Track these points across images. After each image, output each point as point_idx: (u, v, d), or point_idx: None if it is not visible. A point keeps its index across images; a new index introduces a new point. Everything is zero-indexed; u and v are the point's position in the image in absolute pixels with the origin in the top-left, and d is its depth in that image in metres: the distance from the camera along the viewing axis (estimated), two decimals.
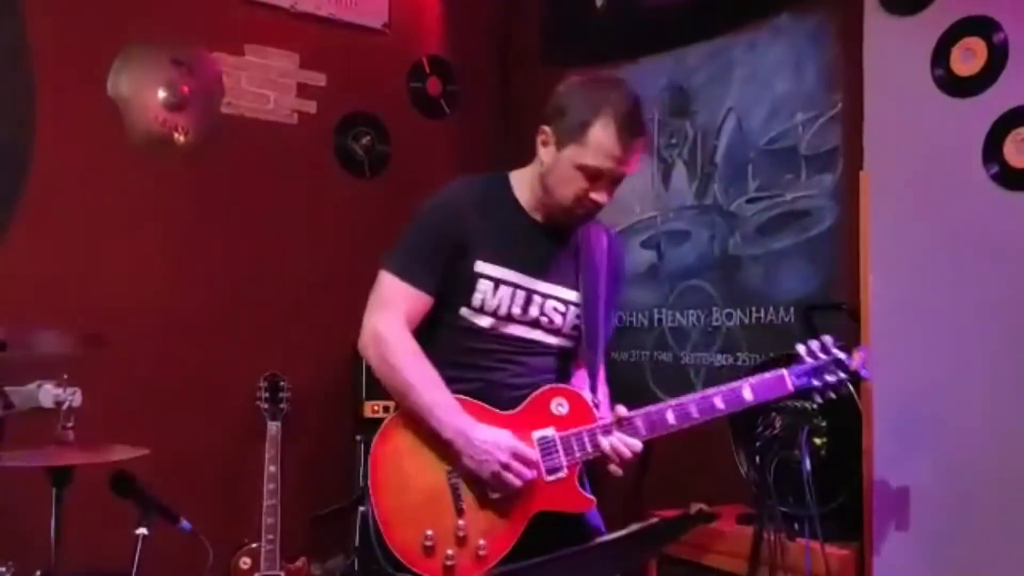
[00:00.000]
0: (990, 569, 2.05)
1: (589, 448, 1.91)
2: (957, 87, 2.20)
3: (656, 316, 3.50)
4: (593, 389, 2.02)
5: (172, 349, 3.38)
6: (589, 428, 1.91)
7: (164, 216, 3.42)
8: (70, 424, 2.20)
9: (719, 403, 1.94)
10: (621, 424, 1.90)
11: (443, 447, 1.89)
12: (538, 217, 2.01)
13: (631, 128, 1.89)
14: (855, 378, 2.01)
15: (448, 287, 1.95)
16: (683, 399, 1.93)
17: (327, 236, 3.75)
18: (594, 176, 1.90)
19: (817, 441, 2.45)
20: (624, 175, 1.94)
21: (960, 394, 2.15)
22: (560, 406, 1.94)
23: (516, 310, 1.97)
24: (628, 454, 1.88)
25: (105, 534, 2.45)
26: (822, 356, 1.98)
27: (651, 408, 1.92)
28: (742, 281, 3.24)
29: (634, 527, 0.86)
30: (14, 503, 2.09)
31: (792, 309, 3.08)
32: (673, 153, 3.55)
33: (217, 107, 3.56)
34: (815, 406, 2.46)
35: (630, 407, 1.94)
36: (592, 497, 1.93)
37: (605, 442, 1.89)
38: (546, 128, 1.95)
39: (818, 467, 2.37)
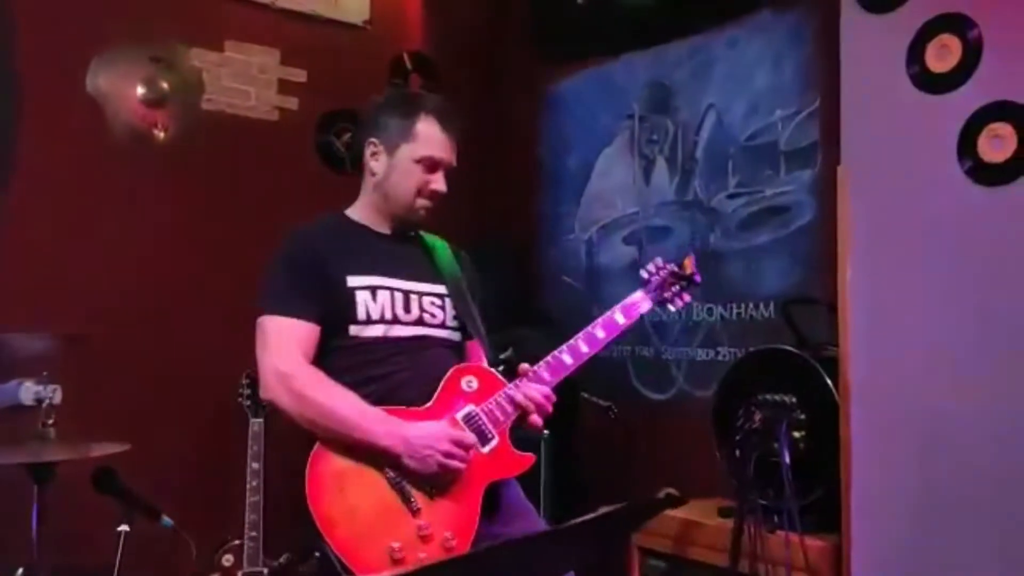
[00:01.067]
0: (966, 560, 2.08)
1: (510, 409, 2.00)
2: (932, 84, 2.23)
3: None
4: (490, 362, 2.12)
5: (153, 346, 3.36)
6: (504, 392, 2.00)
7: (145, 213, 3.40)
8: (51, 421, 2.20)
9: (599, 332, 2.14)
10: (528, 377, 2.02)
11: (375, 459, 1.90)
12: (385, 230, 2.15)
13: (448, 118, 2.13)
14: (692, 283, 2.31)
15: (329, 312, 2.01)
16: (571, 340, 2.10)
17: None
18: (431, 166, 2.08)
19: (796, 435, 2.47)
20: (452, 164, 2.13)
21: (937, 387, 2.18)
22: (470, 383, 2.02)
23: (400, 311, 2.05)
24: (539, 398, 2.00)
25: (87, 531, 2.45)
26: (660, 273, 2.29)
27: (548, 357, 2.06)
28: (723, 276, 3.27)
29: (604, 510, 0.88)
30: None
31: (772, 304, 3.11)
32: (654, 149, 3.57)
33: (197, 103, 3.54)
34: (794, 400, 2.51)
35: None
36: (529, 454, 2.01)
37: (519, 395, 1.99)
38: (374, 140, 2.13)
39: (797, 461, 2.40)
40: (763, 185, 3.17)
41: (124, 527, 2.25)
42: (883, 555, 2.23)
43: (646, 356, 3.51)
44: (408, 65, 4.07)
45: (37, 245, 3.17)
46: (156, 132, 3.45)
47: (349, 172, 3.88)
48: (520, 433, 2.04)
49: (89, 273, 3.25)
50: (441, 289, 2.14)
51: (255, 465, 3.29)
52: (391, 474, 1.90)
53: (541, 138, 4.07)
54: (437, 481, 1.90)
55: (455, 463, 1.89)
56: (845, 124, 2.38)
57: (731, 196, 3.28)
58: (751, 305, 3.19)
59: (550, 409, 2.02)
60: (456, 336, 2.15)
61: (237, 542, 3.24)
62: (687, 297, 2.32)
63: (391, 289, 2.05)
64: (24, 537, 2.27)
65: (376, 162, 2.13)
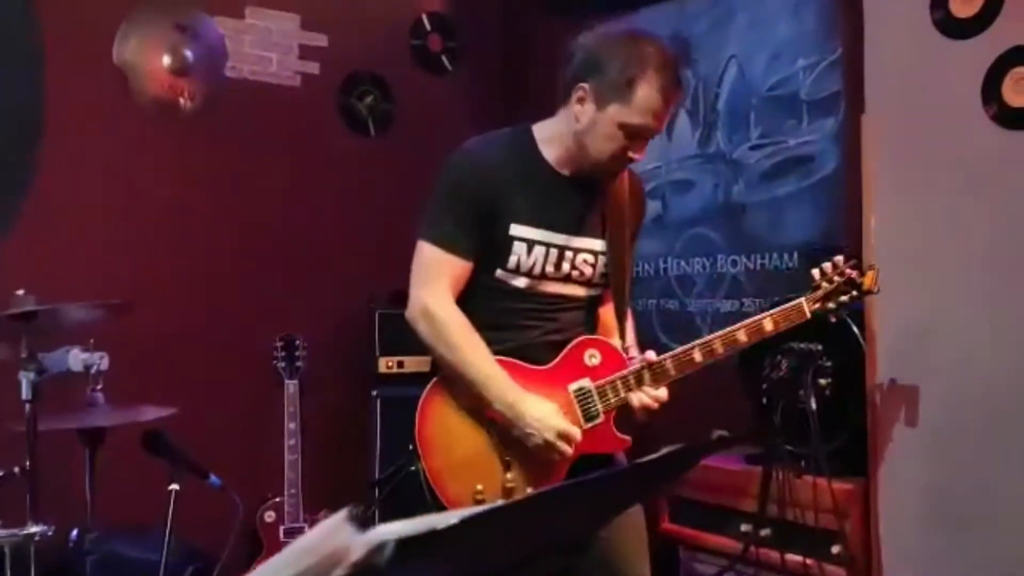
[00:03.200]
0: (992, 499, 2.12)
1: (623, 393, 1.99)
2: (956, 29, 2.22)
3: (662, 265, 3.55)
4: (622, 334, 2.10)
5: (189, 312, 3.44)
6: (622, 375, 1.99)
7: (175, 181, 3.46)
8: (99, 387, 2.27)
9: (742, 336, 2.01)
10: (652, 368, 1.97)
11: (488, 407, 1.95)
12: (566, 172, 2.01)
13: (674, 85, 1.90)
14: (863, 297, 2.06)
15: (483, 250, 1.98)
16: (708, 337, 2.01)
17: (335, 195, 3.80)
18: (634, 134, 1.91)
19: (822, 382, 2.50)
20: (661, 131, 1.97)
21: (962, 333, 2.20)
22: (593, 357, 2.01)
23: (550, 268, 2.00)
24: (655, 405, 1.98)
25: (138, 492, 2.54)
26: (836, 278, 2.03)
27: (677, 350, 1.99)
28: (746, 228, 3.28)
29: (661, 451, 0.93)
30: (50, 465, 2.17)
31: (796, 254, 3.13)
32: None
33: (221, 71, 3.58)
34: (820, 348, 2.54)
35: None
36: (627, 437, 2.02)
37: (634, 398, 1.97)
38: (584, 85, 1.92)
39: (823, 407, 2.44)
40: (786, 135, 3.17)
41: (175, 486, 2.33)
42: (909, 496, 2.28)
43: (671, 309, 3.54)
44: (427, 26, 4.08)
45: (75, 217, 3.25)
46: (182, 100, 3.50)
47: (372, 136, 3.93)
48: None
49: (125, 243, 3.33)
50: (598, 245, 2.05)
51: (292, 425, 3.40)
52: (495, 426, 1.96)
53: None
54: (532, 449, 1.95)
55: (552, 454, 1.92)
56: (869, 72, 2.38)
57: (753, 147, 3.28)
58: (775, 256, 3.21)
59: (656, 410, 2.00)
60: (597, 292, 2.10)
61: (278, 499, 3.36)
62: (845, 314, 2.07)
63: (548, 245, 1.98)
64: (78, 499, 2.36)
65: (581, 108, 1.92)
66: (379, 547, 0.63)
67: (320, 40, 3.79)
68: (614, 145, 1.91)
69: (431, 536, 0.65)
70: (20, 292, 2.15)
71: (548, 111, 2.06)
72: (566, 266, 2.02)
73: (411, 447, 1.96)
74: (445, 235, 1.96)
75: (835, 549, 2.40)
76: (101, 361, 2.21)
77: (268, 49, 3.69)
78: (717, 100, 3.41)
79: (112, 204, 3.34)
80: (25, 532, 2.08)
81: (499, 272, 1.99)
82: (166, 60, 3.45)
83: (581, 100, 1.92)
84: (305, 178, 3.75)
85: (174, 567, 2.80)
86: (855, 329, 2.45)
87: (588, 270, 2.05)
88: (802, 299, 2.03)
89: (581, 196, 2.02)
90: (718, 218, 3.38)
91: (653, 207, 3.64)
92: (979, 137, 2.16)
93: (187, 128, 3.50)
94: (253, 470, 3.43)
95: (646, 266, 3.64)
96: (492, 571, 0.84)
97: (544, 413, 1.92)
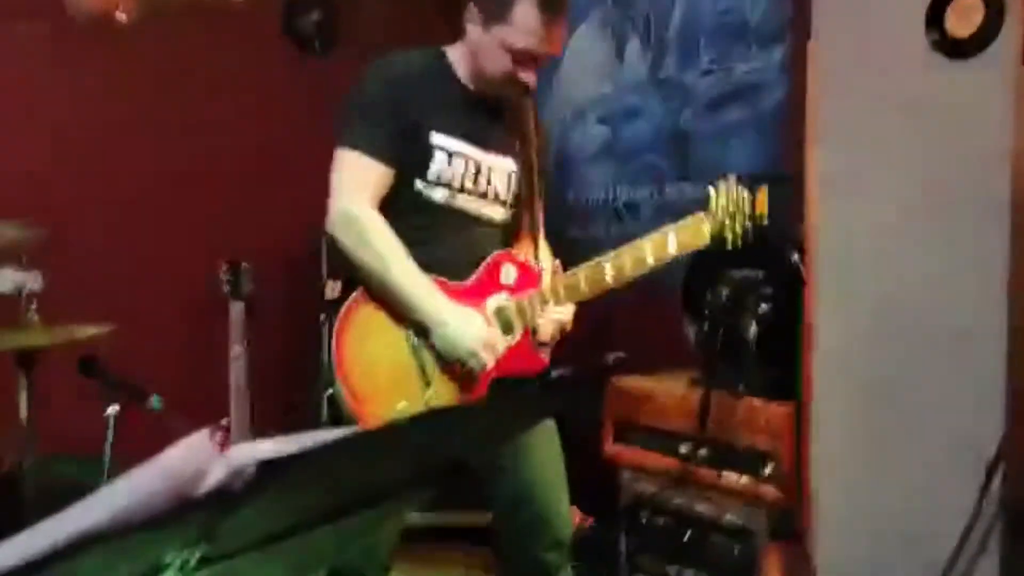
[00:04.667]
0: (912, 424, 2.20)
1: (540, 310, 2.02)
2: None
3: (611, 192, 3.55)
4: (535, 256, 2.11)
5: (129, 232, 3.37)
6: (539, 291, 2.02)
7: (112, 97, 3.35)
8: (33, 307, 2.23)
9: (649, 258, 2.08)
10: (567, 285, 2.03)
11: (407, 322, 1.95)
12: (475, 90, 2.04)
13: (553, 5, 1.91)
14: (757, 224, 2.14)
15: (403, 160, 1.97)
16: (616, 253, 2.05)
17: (280, 115, 3.70)
18: (520, 56, 1.93)
19: (762, 308, 2.56)
20: (550, 55, 1.97)
21: (898, 262, 2.24)
22: (509, 273, 2.04)
23: (468, 183, 2.01)
24: (558, 326, 2.02)
25: (78, 416, 2.51)
26: (731, 195, 2.13)
27: (590, 265, 2.04)
28: (694, 155, 3.29)
29: (558, 371, 0.94)
30: None
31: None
32: (628, 27, 3.53)
33: None
34: (761, 275, 2.59)
35: None
36: (545, 358, 2.04)
37: (541, 319, 2.01)
38: (472, 6, 1.97)
39: (763, 333, 2.50)
40: (734, 62, 3.16)
41: (113, 409, 2.31)
42: (838, 419, 2.35)
43: (618, 235, 3.55)
44: None
45: (4, 133, 3.13)
46: (118, 14, 3.36)
47: (318, 53, 3.82)
48: None
49: (60, 159, 3.23)
50: (511, 164, 2.08)
51: (238, 347, 3.37)
52: (414, 339, 1.95)
53: None
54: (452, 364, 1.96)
55: (475, 363, 1.93)
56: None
57: (703, 74, 3.27)
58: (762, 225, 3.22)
59: (567, 331, 2.03)
60: (511, 216, 2.12)
61: (224, 422, 3.35)
62: (747, 239, 2.13)
63: (467, 157, 2.00)
64: (14, 424, 2.33)
65: (471, 28, 1.98)
66: (239, 470, 0.60)
67: None
68: (502, 66, 1.95)
69: (295, 459, 0.62)
70: None
71: None
72: (483, 181, 2.03)
73: (326, 369, 1.94)
74: (367, 141, 1.94)
75: (768, 469, 2.47)
76: (35, 281, 2.16)
77: None
78: (669, 25, 3.37)
79: (44, 121, 3.22)
80: None
81: (419, 183, 1.98)
82: None
83: (470, 20, 1.97)
84: (249, 97, 3.65)
85: None
86: (795, 256, 2.50)
87: (503, 189, 2.07)
88: (702, 214, 2.11)
89: (492, 114, 2.06)
90: (666, 145, 3.38)
91: (602, 132, 3.63)
92: (922, 66, 2.17)
93: (124, 42, 3.36)
94: (200, 393, 3.40)
95: (595, 191, 3.64)
96: (371, 493, 0.83)
97: (470, 323, 1.94)
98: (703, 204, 2.43)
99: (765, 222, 2.13)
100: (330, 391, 1.94)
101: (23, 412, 2.30)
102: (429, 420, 0.77)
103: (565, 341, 3.46)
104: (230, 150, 3.61)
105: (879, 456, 2.27)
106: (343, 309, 1.98)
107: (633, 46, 3.50)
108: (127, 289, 3.33)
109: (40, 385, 2.33)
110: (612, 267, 2.04)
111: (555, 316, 2.02)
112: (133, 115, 3.39)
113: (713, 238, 2.10)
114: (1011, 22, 2.02)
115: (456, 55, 2.05)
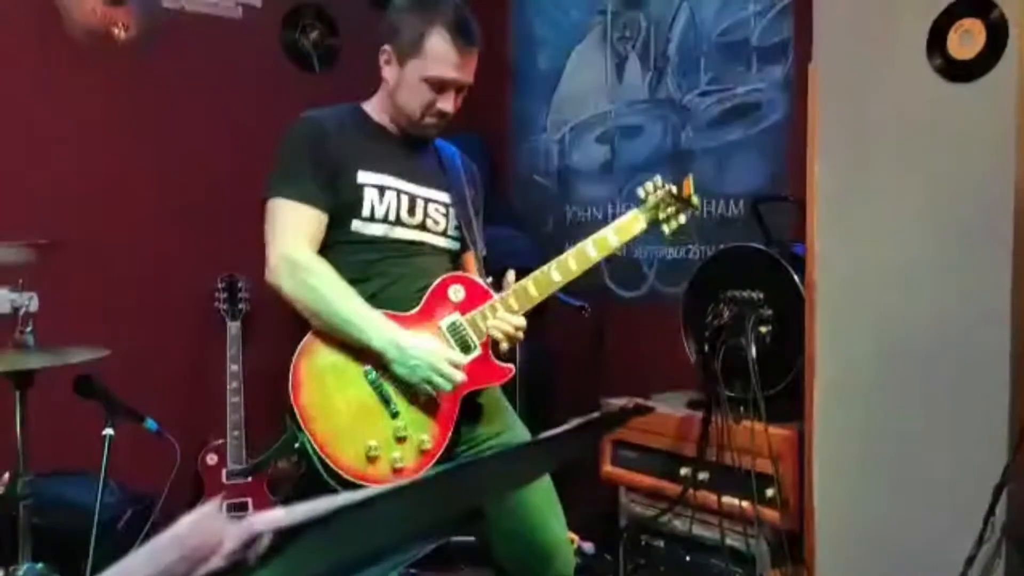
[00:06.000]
0: (916, 446, 2.19)
1: (493, 322, 2.01)
2: None
3: (610, 210, 3.55)
4: (481, 275, 2.11)
5: (126, 251, 3.35)
6: (490, 304, 2.02)
7: (110, 116, 3.33)
8: (28, 328, 2.21)
9: (591, 251, 2.10)
10: (515, 292, 2.03)
11: (361, 356, 1.92)
12: (397, 132, 2.10)
13: (464, 35, 1.99)
14: (690, 205, 2.24)
15: (335, 205, 1.99)
16: (561, 257, 2.07)
17: (277, 133, 3.68)
18: (438, 87, 2.00)
19: (762, 330, 2.55)
20: (466, 83, 2.03)
21: (899, 283, 2.23)
22: (457, 292, 2.03)
23: (404, 214, 2.04)
24: (510, 330, 1.99)
25: (72, 437, 2.49)
26: (658, 193, 2.20)
27: (536, 272, 2.05)
28: (694, 175, 3.26)
29: (576, 421, 0.92)
30: None
31: (742, 202, 3.15)
32: (627, 46, 3.53)
33: (158, 1, 3.44)
34: (761, 296, 2.58)
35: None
36: (509, 365, 2.04)
37: (490, 324, 1.99)
38: (386, 47, 2.04)
39: (763, 354, 2.48)
40: (735, 82, 3.16)
41: (108, 430, 2.29)
42: (840, 442, 2.33)
43: (617, 255, 3.54)
44: None
45: (2, 152, 3.11)
46: (116, 31, 3.35)
47: (317, 71, 3.82)
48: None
49: (57, 179, 3.21)
50: (446, 198, 2.11)
51: (234, 367, 3.35)
52: (372, 375, 1.93)
53: (510, 36, 4.00)
54: (419, 389, 1.94)
55: (441, 380, 1.91)
56: (817, 20, 2.36)
57: (703, 94, 3.27)
58: (721, 203, 3.22)
59: (521, 338, 2.02)
60: (455, 246, 2.15)
61: (220, 442, 3.33)
62: (682, 219, 2.26)
63: (398, 191, 2.03)
64: (9, 443, 2.31)
65: (388, 69, 2.05)
66: (254, 538, 0.60)
67: None
68: (421, 99, 2.01)
69: (311, 524, 0.62)
70: None
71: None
72: (419, 213, 2.06)
73: (288, 420, 1.89)
74: (298, 188, 1.97)
75: (770, 492, 2.46)
76: (30, 302, 2.14)
77: None
78: (668, 45, 3.37)
79: (41, 139, 3.21)
80: None
81: (355, 223, 2.00)
82: None
83: (387, 62, 2.05)
84: (246, 114, 3.64)
85: (114, 511, 2.77)
86: (795, 277, 2.49)
87: (441, 220, 2.10)
88: (636, 210, 2.19)
89: (415, 151, 2.11)
90: (666, 164, 3.37)
91: (602, 151, 3.63)
92: (923, 89, 2.17)
93: (122, 60, 3.36)
94: (196, 413, 3.40)
95: (593, 211, 3.63)
96: (380, 551, 0.81)
97: (427, 343, 1.93)
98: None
99: (695, 203, 2.25)
100: (297, 445, 1.89)
101: (17, 431, 2.28)
102: (444, 476, 0.75)
103: (566, 361, 3.45)
104: (226, 167, 3.59)
105: (882, 481, 2.26)
106: (294, 360, 1.93)
107: (632, 65, 3.51)
108: (123, 310, 3.31)
109: (34, 404, 2.31)
110: (557, 269, 2.06)
111: (504, 320, 2.00)
112: (129, 133, 3.38)
113: (649, 224, 2.20)
114: (1013, 45, 2.02)
115: (371, 106, 2.12)
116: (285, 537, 0.60)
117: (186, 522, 0.62)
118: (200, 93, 3.52)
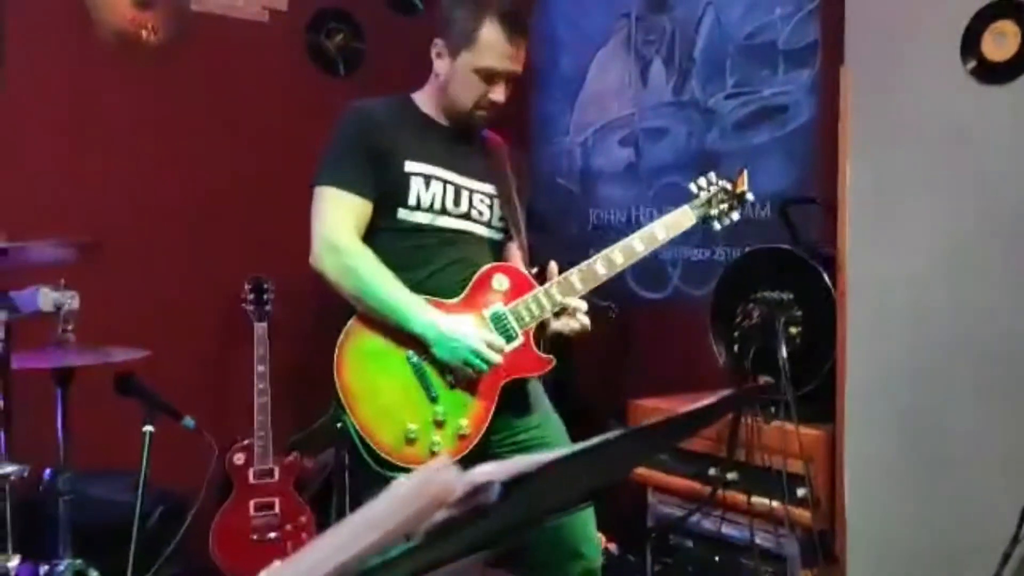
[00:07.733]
0: (950, 446, 2.19)
1: (536, 312, 2.05)
2: None
3: (634, 213, 3.56)
4: (526, 265, 2.16)
5: (157, 252, 3.39)
6: (533, 294, 2.05)
7: (141, 118, 3.37)
8: (70, 327, 2.24)
9: (638, 245, 2.16)
10: (560, 283, 2.06)
11: (403, 341, 1.97)
12: (444, 123, 2.14)
13: (515, 25, 2.04)
14: (742, 200, 2.29)
15: (382, 193, 2.03)
16: (607, 250, 2.12)
17: (302, 135, 3.70)
18: (490, 77, 2.04)
19: (792, 330, 2.56)
20: (517, 73, 2.08)
21: (931, 284, 2.24)
22: (501, 282, 2.07)
23: (449, 203, 2.08)
24: (578, 327, 2.06)
25: (110, 433, 2.52)
26: (710, 188, 2.27)
27: (582, 264, 2.09)
28: (720, 177, 3.28)
29: (709, 399, 0.95)
30: (23, 405, 2.13)
31: (768, 204, 3.16)
32: (651, 49, 3.55)
33: (186, 5, 3.47)
34: (791, 296, 2.59)
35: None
36: (549, 357, 2.07)
37: (556, 324, 2.05)
38: (438, 41, 2.08)
39: (793, 355, 2.49)
40: (761, 85, 3.18)
41: (149, 427, 2.31)
42: (873, 442, 2.34)
43: (643, 257, 3.55)
44: None
45: (39, 153, 3.15)
46: (145, 34, 3.39)
47: (341, 75, 3.85)
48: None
49: (91, 181, 3.25)
50: (491, 189, 2.16)
51: (261, 368, 3.37)
52: (415, 359, 1.97)
53: (533, 39, 4.01)
54: (459, 373, 1.97)
55: (479, 362, 1.95)
56: (849, 22, 2.38)
57: (729, 96, 3.28)
58: (747, 205, 3.22)
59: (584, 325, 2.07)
60: (498, 236, 2.19)
61: (247, 441, 3.35)
62: (735, 216, 2.27)
63: (444, 181, 2.08)
64: (50, 440, 2.33)
65: (439, 62, 2.09)
66: (484, 486, 0.64)
67: None
68: (474, 91, 2.06)
69: (528, 476, 0.66)
70: None
71: None
72: (464, 203, 2.10)
73: (334, 402, 1.95)
74: (344, 177, 2.02)
75: (800, 492, 2.46)
76: (72, 301, 2.17)
77: None
78: (693, 47, 3.39)
79: (76, 141, 3.24)
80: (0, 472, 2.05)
81: (401, 212, 2.04)
82: None
83: (439, 55, 2.09)
84: (273, 117, 3.67)
85: (145, 508, 2.79)
86: (826, 278, 2.50)
87: (485, 211, 2.14)
88: (686, 206, 2.24)
89: (463, 143, 2.15)
90: (691, 167, 3.38)
91: (626, 154, 3.65)
92: (957, 92, 2.18)
93: (151, 63, 3.39)
94: (223, 412, 3.42)
95: (618, 214, 3.65)
96: (557, 509, 0.86)
97: (466, 325, 1.97)
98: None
99: (749, 198, 2.28)
100: (340, 424, 1.93)
101: (58, 429, 2.30)
102: (602, 448, 0.79)
103: (591, 363, 3.44)
104: (253, 168, 3.62)
105: (914, 480, 2.27)
106: (339, 342, 1.99)
107: (657, 68, 3.53)
108: (158, 309, 3.34)
109: (76, 401, 2.34)
110: (603, 262, 2.10)
111: (575, 319, 2.05)
112: (159, 135, 3.41)
113: (700, 220, 2.24)
114: None
115: (422, 97, 2.16)
116: (511, 488, 0.65)
117: (412, 484, 0.67)
118: (226, 95, 3.55)
